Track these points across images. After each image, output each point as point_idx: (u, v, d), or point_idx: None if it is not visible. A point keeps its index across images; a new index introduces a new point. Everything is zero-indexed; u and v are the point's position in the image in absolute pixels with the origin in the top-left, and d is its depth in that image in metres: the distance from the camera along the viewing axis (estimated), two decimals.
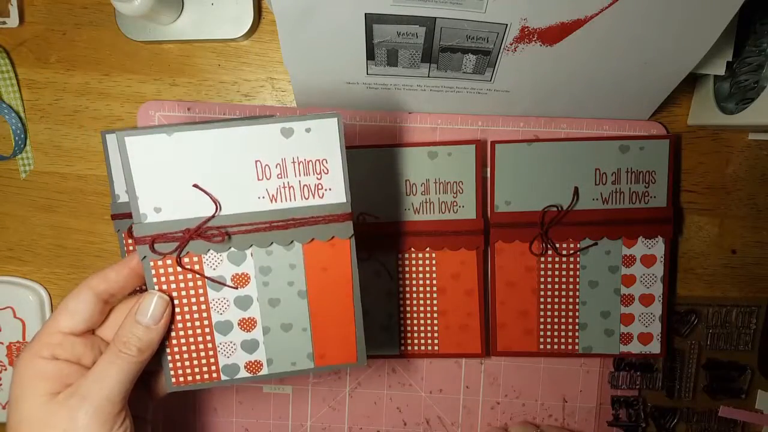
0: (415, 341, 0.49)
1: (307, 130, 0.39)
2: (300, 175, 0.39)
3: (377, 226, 0.48)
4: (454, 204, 0.48)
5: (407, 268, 0.49)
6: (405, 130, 0.48)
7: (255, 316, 0.41)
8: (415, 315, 0.49)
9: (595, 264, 0.48)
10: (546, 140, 0.48)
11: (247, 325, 0.41)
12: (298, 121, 0.39)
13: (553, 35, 0.38)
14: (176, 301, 0.39)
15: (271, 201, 0.39)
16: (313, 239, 0.40)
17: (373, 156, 0.47)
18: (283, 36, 0.39)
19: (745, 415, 0.49)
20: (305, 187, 0.39)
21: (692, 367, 0.51)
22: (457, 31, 0.38)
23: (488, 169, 0.48)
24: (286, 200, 0.39)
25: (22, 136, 0.49)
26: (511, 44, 0.39)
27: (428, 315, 0.49)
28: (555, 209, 0.47)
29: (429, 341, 0.49)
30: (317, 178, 0.39)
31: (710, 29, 0.37)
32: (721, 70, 0.43)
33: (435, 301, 0.49)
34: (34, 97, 0.49)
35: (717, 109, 0.45)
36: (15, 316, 0.50)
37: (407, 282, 0.49)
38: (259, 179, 0.39)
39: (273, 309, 0.41)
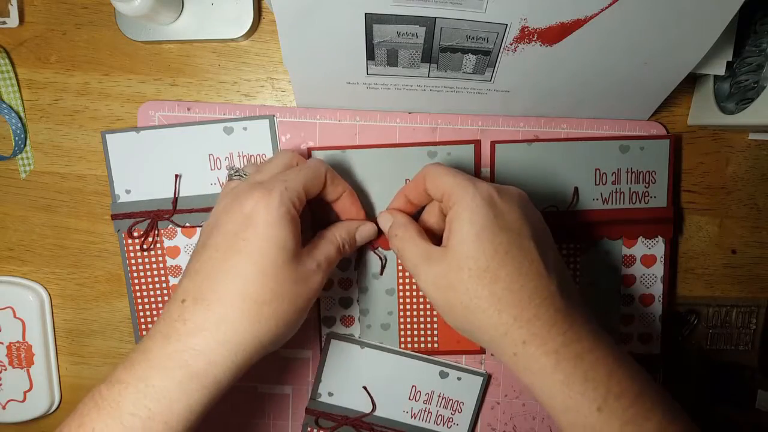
0: (415, 338, 0.49)
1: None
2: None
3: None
4: None
5: None
6: (405, 130, 0.48)
7: None
8: (415, 312, 0.49)
9: (595, 264, 0.48)
10: (546, 140, 0.48)
11: None
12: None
13: (553, 35, 0.38)
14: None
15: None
16: None
17: (373, 156, 0.47)
18: (283, 36, 0.39)
19: None
20: None
21: (693, 368, 0.51)
22: (457, 31, 0.38)
23: (488, 169, 0.48)
24: None
25: (22, 136, 0.49)
26: (511, 44, 0.39)
27: (428, 312, 0.49)
28: (555, 209, 0.47)
29: (429, 339, 0.49)
30: None
31: (710, 29, 0.37)
32: (721, 70, 0.43)
33: None
34: (34, 97, 0.49)
35: (717, 109, 0.45)
36: (15, 316, 0.50)
37: (407, 279, 0.49)
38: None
39: None
